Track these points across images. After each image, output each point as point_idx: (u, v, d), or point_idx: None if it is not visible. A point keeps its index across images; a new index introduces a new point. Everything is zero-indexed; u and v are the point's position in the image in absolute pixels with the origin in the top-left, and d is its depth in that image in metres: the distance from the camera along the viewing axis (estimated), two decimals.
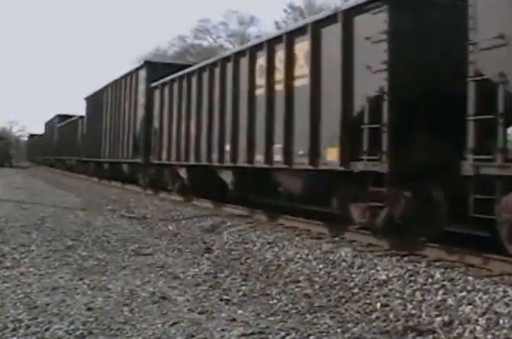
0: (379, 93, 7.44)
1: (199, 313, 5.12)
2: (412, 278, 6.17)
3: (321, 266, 7.15)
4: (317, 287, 6.27)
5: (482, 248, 6.81)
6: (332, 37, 8.44)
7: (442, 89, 7.09)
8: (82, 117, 31.59)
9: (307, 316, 5.11)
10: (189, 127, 14.31)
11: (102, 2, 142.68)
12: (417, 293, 5.70)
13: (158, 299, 5.58)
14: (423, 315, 5.10)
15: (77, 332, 4.46)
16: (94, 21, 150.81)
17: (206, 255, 8.29)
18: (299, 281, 6.57)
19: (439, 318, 4.96)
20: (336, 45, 8.27)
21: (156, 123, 17.20)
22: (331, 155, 8.36)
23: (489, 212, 6.18)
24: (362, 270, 6.76)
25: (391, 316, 5.15)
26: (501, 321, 4.72)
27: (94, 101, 27.36)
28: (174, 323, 4.75)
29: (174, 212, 13.32)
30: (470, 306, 5.12)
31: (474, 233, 8.05)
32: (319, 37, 8.85)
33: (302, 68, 9.29)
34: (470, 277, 5.96)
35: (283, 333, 4.51)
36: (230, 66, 11.90)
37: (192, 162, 14.04)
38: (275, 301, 5.64)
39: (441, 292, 5.62)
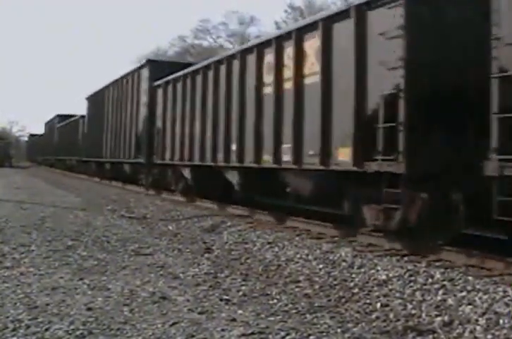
0: (395, 91, 7.19)
1: (199, 313, 5.12)
2: (412, 278, 6.17)
3: (321, 266, 7.15)
4: (317, 287, 6.27)
5: (500, 251, 6.65)
6: (344, 33, 8.20)
7: (460, 86, 6.92)
8: (83, 117, 31.37)
9: (307, 316, 5.11)
10: (193, 126, 14.04)
11: (102, 2, 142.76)
12: (417, 293, 5.70)
13: (158, 299, 5.58)
14: (423, 315, 5.10)
15: (77, 333, 4.46)
16: (94, 21, 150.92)
17: (206, 255, 8.29)
18: (299, 281, 6.56)
19: (439, 318, 4.96)
20: (349, 41, 8.02)
21: (159, 123, 16.93)
22: (343, 155, 8.12)
23: None
24: (362, 270, 6.76)
25: (391, 316, 5.15)
26: (501, 321, 4.72)
27: (96, 100, 27.13)
28: (174, 323, 4.74)
29: (174, 212, 13.32)
30: (470, 306, 5.12)
31: (493, 236, 7.81)
32: (331, 33, 8.58)
33: (312, 66, 9.03)
34: (470, 277, 5.96)
35: (283, 333, 4.51)
36: (236, 63, 11.64)
37: (196, 162, 13.79)
38: (275, 301, 5.64)
39: (441, 292, 5.62)
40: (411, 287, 5.92)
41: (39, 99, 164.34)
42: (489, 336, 4.50)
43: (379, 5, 7.60)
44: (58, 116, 43.91)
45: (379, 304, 5.49)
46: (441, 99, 7.04)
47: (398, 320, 5.03)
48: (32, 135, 73.57)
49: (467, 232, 7.69)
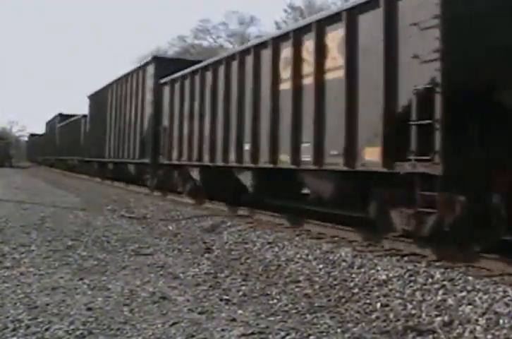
0: (430, 85, 6.63)
1: (199, 313, 5.12)
2: (412, 278, 6.16)
3: (321, 266, 7.15)
4: (317, 287, 6.27)
5: None
6: (372, 24, 7.66)
7: (500, 80, 6.56)
8: (84, 116, 30.85)
9: (307, 316, 5.11)
10: (202, 125, 13.45)
11: (102, 2, 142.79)
12: (417, 293, 5.70)
13: (158, 299, 5.58)
14: (423, 315, 5.10)
15: (77, 333, 4.46)
16: (94, 21, 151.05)
17: (206, 255, 8.29)
18: (299, 281, 6.56)
19: (439, 318, 4.96)
20: (377, 33, 7.50)
21: (165, 122, 16.23)
22: (371, 155, 7.55)
23: None
24: (362, 270, 6.76)
25: (391, 316, 5.15)
26: (501, 321, 4.72)
27: (98, 99, 26.59)
28: (174, 323, 4.75)
29: (174, 212, 13.32)
30: (470, 306, 5.12)
31: None
32: (356, 24, 8.00)
33: (335, 60, 8.48)
34: (470, 277, 5.96)
35: (283, 333, 4.51)
36: (250, 59, 11.06)
37: (206, 162, 13.17)
38: (275, 301, 5.64)
39: (441, 292, 5.62)
40: (411, 287, 5.92)
41: (39, 99, 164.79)
42: (489, 336, 4.50)
43: None
44: (59, 115, 43.50)
45: (379, 304, 5.49)
46: (480, 94, 6.56)
47: (398, 320, 5.03)
48: (32, 135, 73.49)
49: (507, 238, 7.08)
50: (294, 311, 5.28)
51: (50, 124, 49.82)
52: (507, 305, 5.01)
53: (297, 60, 9.44)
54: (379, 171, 7.46)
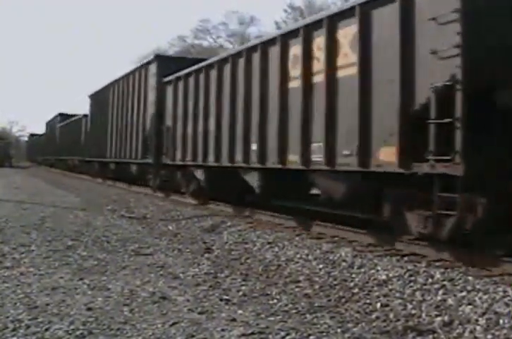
0: (450, 82, 6.37)
1: (199, 313, 5.12)
2: (412, 278, 6.16)
3: (321, 266, 7.15)
4: (317, 287, 6.27)
5: None
6: (387, 19, 7.41)
7: None
8: (85, 116, 30.56)
9: (307, 316, 5.11)
10: (207, 125, 13.11)
11: (102, 2, 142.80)
12: (417, 293, 5.70)
13: (158, 299, 5.58)
14: (423, 315, 5.10)
15: (77, 332, 4.46)
16: (94, 21, 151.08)
17: (206, 255, 8.29)
18: (299, 281, 6.56)
19: (439, 318, 4.96)
20: (392, 28, 7.23)
21: (169, 121, 15.89)
22: (387, 155, 7.28)
23: None
24: (362, 270, 6.76)
25: (391, 316, 5.15)
26: (501, 321, 4.71)
27: (99, 98, 26.27)
28: (174, 323, 4.74)
29: (174, 212, 13.32)
30: (470, 306, 5.11)
31: None
32: (370, 20, 7.73)
33: (347, 57, 8.20)
34: (470, 277, 5.96)
35: (283, 333, 4.51)
36: (256, 56, 10.77)
37: (211, 162, 12.83)
38: (275, 301, 5.64)
39: (441, 292, 5.62)
40: (411, 287, 5.92)
41: (39, 99, 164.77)
42: (489, 336, 4.50)
43: None
44: (60, 115, 43.24)
45: (379, 304, 5.49)
46: (497, 92, 6.36)
47: (398, 320, 5.03)
48: (32, 135, 73.44)
49: None
50: (294, 311, 5.27)
51: (50, 124, 49.73)
52: (507, 305, 5.00)
53: (307, 57, 9.16)
54: (394, 171, 7.18)
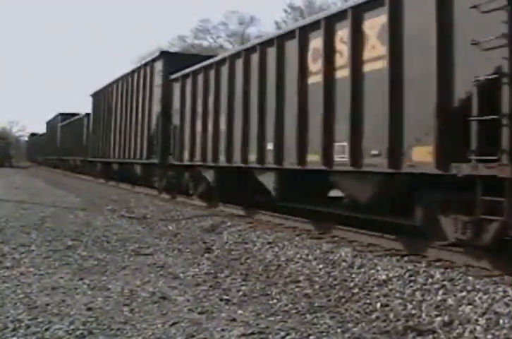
0: (495, 75, 5.86)
1: (199, 313, 5.12)
2: (412, 278, 6.16)
3: (321, 266, 7.15)
4: (317, 287, 6.27)
5: None
6: (421, 7, 6.90)
7: None
8: (87, 115, 30.12)
9: (307, 316, 5.11)
10: (218, 123, 12.55)
11: (102, 2, 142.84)
12: (417, 293, 5.70)
13: (158, 299, 5.58)
14: (423, 315, 5.10)
15: (77, 332, 4.46)
16: (94, 21, 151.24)
17: (206, 255, 8.28)
18: (299, 281, 6.56)
19: (439, 318, 4.96)
20: (428, 17, 6.70)
21: (176, 120, 15.34)
22: (421, 155, 6.79)
23: None
24: (362, 270, 6.76)
25: (391, 316, 5.14)
26: (501, 321, 4.71)
27: (102, 97, 25.74)
28: (174, 323, 4.75)
29: (174, 212, 13.32)
30: (470, 306, 5.11)
31: None
32: (401, 8, 7.21)
33: (374, 49, 7.71)
34: (470, 277, 5.96)
35: (283, 333, 4.51)
36: (272, 51, 10.25)
37: (222, 163, 12.30)
38: (275, 301, 5.63)
39: (441, 292, 5.61)
40: (411, 287, 5.92)
41: (39, 99, 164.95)
42: (489, 336, 4.50)
43: None
44: (61, 114, 42.87)
45: (379, 304, 5.49)
46: None
47: (398, 320, 5.03)
48: (32, 135, 73.37)
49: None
50: (294, 311, 5.27)
51: (51, 124, 49.55)
52: (507, 305, 5.00)
53: (329, 51, 8.66)
54: (431, 173, 6.67)
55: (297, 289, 6.16)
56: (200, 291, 5.97)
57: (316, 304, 5.53)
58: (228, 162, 11.97)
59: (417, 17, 7.03)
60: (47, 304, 5.28)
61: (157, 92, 17.18)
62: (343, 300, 5.73)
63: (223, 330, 4.59)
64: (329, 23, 8.70)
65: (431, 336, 4.61)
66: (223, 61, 12.54)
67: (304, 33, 9.39)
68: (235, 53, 12.09)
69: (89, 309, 5.14)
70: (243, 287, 6.19)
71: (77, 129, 33.40)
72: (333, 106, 8.53)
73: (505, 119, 5.78)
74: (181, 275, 6.80)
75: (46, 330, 4.52)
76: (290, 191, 10.44)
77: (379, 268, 6.68)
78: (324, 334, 4.57)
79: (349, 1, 8.42)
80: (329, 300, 5.74)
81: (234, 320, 4.89)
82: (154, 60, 18.00)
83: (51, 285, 6.05)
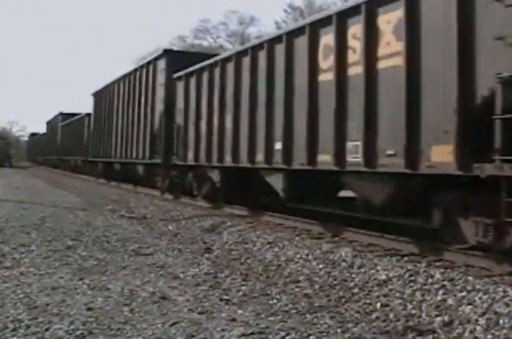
0: None
1: (199, 313, 5.12)
2: (412, 278, 6.17)
3: (321, 266, 7.15)
4: (317, 287, 6.27)
5: None
6: (440, 2, 6.71)
7: None
8: (88, 114, 29.99)
9: (307, 316, 5.11)
10: (223, 122, 12.32)
11: (102, 2, 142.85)
12: (417, 293, 5.70)
13: (158, 299, 5.58)
14: (423, 315, 5.10)
15: (77, 333, 4.46)
16: (94, 21, 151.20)
17: (206, 255, 8.28)
18: (299, 281, 6.56)
19: (439, 318, 4.96)
20: (448, 12, 6.49)
21: (179, 119, 15.07)
22: (440, 155, 6.52)
23: None
24: (362, 270, 6.76)
25: (391, 316, 5.14)
26: (501, 321, 4.71)
27: (104, 96, 25.52)
28: (174, 323, 4.74)
29: (174, 212, 13.32)
30: (470, 306, 5.12)
31: None
32: (418, 3, 7.00)
33: (389, 46, 7.48)
34: (470, 277, 5.96)
35: (283, 333, 4.51)
36: (280, 48, 10.02)
37: (228, 163, 12.04)
38: (275, 301, 5.63)
39: (441, 292, 5.62)
40: (411, 287, 5.92)
41: (39, 98, 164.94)
42: (489, 336, 4.50)
43: None
44: (61, 114, 42.70)
45: (379, 304, 5.49)
46: None
47: (398, 320, 5.03)
48: (32, 135, 73.31)
49: None
50: (294, 311, 5.27)
51: (51, 123, 49.42)
52: (507, 305, 5.01)
53: (341, 47, 8.43)
54: (452, 173, 6.42)
55: (297, 289, 6.16)
56: (200, 291, 5.96)
57: (316, 304, 5.53)
58: (235, 162, 11.74)
59: (436, 11, 6.79)
60: (47, 304, 5.28)
61: (160, 91, 16.98)
62: (343, 300, 5.72)
63: (223, 330, 4.59)
64: (341, 19, 8.46)
65: (431, 336, 4.61)
66: (229, 58, 12.30)
67: (314, 29, 9.15)
68: (241, 50, 11.87)
69: (89, 309, 5.14)
70: (243, 287, 6.19)
71: (77, 129, 33.24)
72: (346, 104, 8.29)
73: None
74: (181, 275, 6.79)
75: (46, 330, 4.52)
76: (298, 192, 10.20)
77: (379, 268, 6.68)
78: (324, 334, 4.57)
79: None
80: (329, 300, 5.74)
81: (234, 320, 4.89)
82: (156, 58, 17.75)
83: (51, 285, 6.05)
